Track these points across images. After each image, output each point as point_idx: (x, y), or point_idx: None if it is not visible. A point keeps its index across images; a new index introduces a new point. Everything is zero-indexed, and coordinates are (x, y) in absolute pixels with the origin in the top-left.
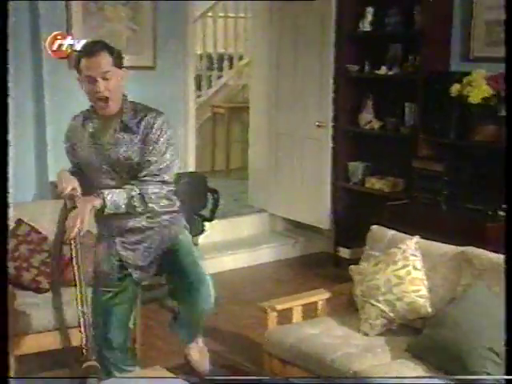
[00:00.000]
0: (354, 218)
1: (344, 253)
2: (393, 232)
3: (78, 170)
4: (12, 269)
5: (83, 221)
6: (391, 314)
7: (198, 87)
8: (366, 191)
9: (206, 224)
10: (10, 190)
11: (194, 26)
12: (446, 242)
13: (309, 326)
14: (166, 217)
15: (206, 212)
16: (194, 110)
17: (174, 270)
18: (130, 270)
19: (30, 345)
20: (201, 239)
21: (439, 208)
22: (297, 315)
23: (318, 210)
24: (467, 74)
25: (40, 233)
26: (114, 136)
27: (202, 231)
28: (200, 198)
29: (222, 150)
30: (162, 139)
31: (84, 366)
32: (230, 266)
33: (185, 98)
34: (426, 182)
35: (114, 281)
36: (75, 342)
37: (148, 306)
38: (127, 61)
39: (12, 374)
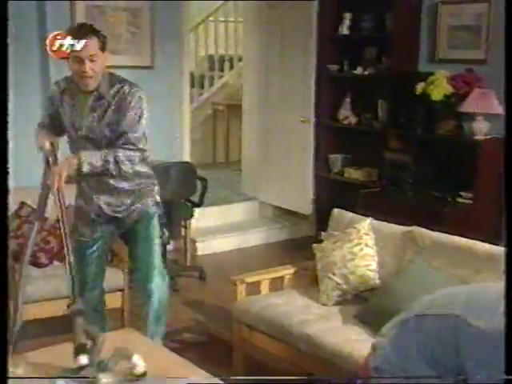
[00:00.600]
0: (334, 205)
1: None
2: (351, 214)
3: (51, 123)
4: (15, 245)
5: (61, 177)
6: (345, 286)
7: (201, 86)
8: (344, 180)
9: (200, 210)
10: (18, 177)
11: (190, 29)
12: (410, 225)
13: (274, 297)
14: (142, 180)
15: (195, 198)
16: (189, 107)
17: (132, 247)
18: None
19: (30, 313)
20: (196, 223)
21: (406, 195)
22: (264, 287)
23: (302, 197)
24: (431, 74)
25: None
26: (92, 105)
27: (192, 216)
28: (189, 185)
29: (222, 144)
30: (135, 110)
31: (71, 308)
32: (222, 248)
33: (181, 95)
34: (395, 172)
35: (90, 232)
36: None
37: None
38: (127, 61)
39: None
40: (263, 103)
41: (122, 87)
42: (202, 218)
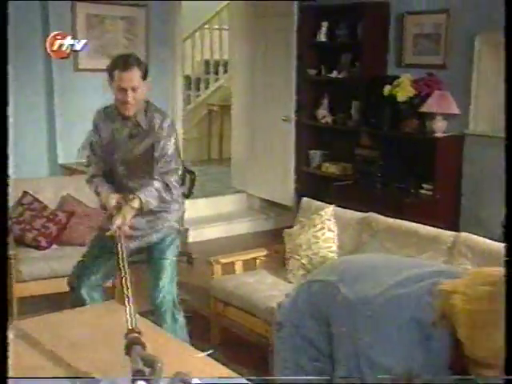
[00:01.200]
0: (313, 196)
1: None
2: (317, 202)
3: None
4: (18, 230)
5: (125, 220)
6: (309, 266)
7: (197, 88)
8: (322, 174)
9: (193, 201)
10: (20, 169)
11: (186, 37)
12: (379, 214)
13: (246, 276)
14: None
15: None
16: (181, 108)
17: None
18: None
19: (30, 290)
20: (189, 213)
21: (375, 187)
22: (238, 268)
23: (285, 189)
24: (397, 77)
25: (41, 202)
26: (130, 132)
27: None
28: None
29: (216, 142)
30: (171, 137)
31: (129, 337)
32: (212, 236)
33: (174, 97)
34: (365, 166)
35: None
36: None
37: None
38: None
39: (15, 313)
40: (250, 104)
41: (155, 116)
42: (195, 209)
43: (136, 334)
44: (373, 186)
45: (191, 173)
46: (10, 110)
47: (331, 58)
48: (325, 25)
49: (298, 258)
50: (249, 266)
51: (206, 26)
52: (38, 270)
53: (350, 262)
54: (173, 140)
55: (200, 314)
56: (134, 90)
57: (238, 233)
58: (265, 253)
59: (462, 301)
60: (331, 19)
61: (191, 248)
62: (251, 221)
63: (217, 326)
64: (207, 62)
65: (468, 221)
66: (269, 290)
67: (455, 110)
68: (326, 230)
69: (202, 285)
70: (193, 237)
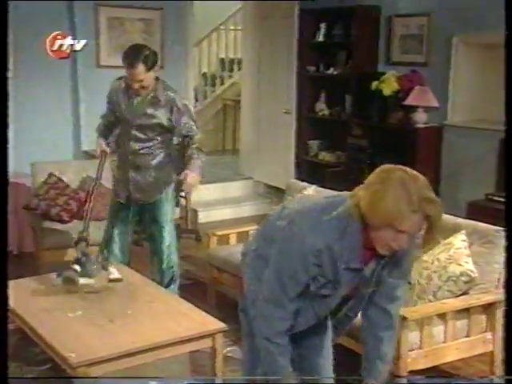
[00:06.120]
0: (311, 182)
1: None
2: (301, 183)
3: (109, 124)
4: (44, 206)
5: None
6: None
7: (213, 84)
8: (319, 162)
9: (205, 186)
10: (47, 153)
11: (203, 37)
12: None
13: (238, 246)
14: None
15: None
16: (193, 101)
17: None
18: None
19: (54, 256)
20: (200, 197)
21: (363, 172)
22: (232, 240)
23: (287, 176)
24: (384, 73)
25: (65, 182)
26: (147, 104)
27: None
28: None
29: (230, 134)
30: (189, 113)
31: (78, 235)
32: (220, 217)
33: (186, 91)
34: (356, 154)
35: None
36: None
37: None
38: None
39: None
40: (256, 98)
41: (170, 94)
42: (206, 193)
43: (85, 235)
44: (362, 172)
45: None
46: (41, 101)
47: (328, 57)
48: (323, 26)
49: None
50: (242, 238)
51: (222, 27)
52: (61, 240)
53: (296, 198)
54: (191, 116)
55: (200, 281)
56: (140, 81)
57: (245, 215)
58: (256, 227)
59: (363, 190)
60: (329, 21)
61: (202, 227)
62: (256, 204)
63: (213, 290)
64: (222, 60)
65: (445, 202)
66: None
67: (435, 103)
68: None
69: (205, 258)
70: (203, 217)
